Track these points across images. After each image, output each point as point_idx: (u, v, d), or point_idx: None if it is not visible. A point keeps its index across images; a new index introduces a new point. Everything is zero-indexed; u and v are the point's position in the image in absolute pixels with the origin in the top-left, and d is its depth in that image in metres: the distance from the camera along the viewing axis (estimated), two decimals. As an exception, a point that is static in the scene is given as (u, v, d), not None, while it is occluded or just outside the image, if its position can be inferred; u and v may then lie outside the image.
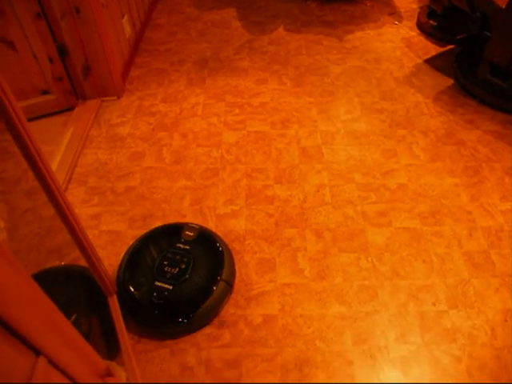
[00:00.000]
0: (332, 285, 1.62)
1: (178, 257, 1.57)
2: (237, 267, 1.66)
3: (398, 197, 1.89)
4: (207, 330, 1.50)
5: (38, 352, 0.57)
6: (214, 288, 1.52)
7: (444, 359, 1.43)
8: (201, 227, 1.69)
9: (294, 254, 1.70)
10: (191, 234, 1.64)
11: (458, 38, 2.68)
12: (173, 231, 1.67)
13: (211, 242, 1.65)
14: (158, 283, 1.50)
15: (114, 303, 1.38)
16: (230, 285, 1.57)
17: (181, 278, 1.52)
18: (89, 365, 0.76)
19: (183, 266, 1.54)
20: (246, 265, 1.67)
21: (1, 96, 0.87)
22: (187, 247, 1.60)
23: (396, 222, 1.80)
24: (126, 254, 1.63)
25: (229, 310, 1.55)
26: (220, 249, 1.63)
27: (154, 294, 1.48)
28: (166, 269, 1.54)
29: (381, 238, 1.75)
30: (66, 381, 0.65)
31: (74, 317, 1.37)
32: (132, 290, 1.50)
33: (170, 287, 1.50)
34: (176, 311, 1.49)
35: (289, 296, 1.59)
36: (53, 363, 0.61)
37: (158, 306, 1.47)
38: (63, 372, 0.64)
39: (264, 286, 1.61)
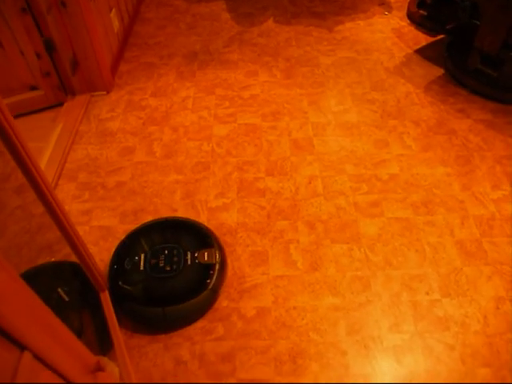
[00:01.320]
0: (325, 276, 1.61)
1: (166, 251, 1.57)
2: (229, 260, 1.65)
3: (390, 187, 1.89)
4: (200, 323, 1.50)
5: (22, 347, 0.56)
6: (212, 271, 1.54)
7: (437, 347, 1.43)
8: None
9: (286, 246, 1.70)
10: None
11: (447, 27, 2.67)
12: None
13: (193, 229, 1.66)
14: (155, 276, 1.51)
15: (105, 299, 1.37)
16: (223, 264, 1.60)
17: (178, 269, 1.53)
18: (78, 360, 0.76)
19: (175, 259, 1.54)
20: (239, 258, 1.66)
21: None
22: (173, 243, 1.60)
23: (388, 212, 1.80)
24: (115, 251, 1.62)
25: (222, 303, 1.54)
26: (206, 233, 1.65)
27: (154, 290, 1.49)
28: (160, 264, 1.54)
29: (373, 229, 1.75)
30: (54, 376, 0.64)
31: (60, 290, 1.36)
32: (128, 287, 1.50)
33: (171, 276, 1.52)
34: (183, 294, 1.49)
35: (282, 288, 1.58)
36: (39, 358, 0.60)
37: (161, 299, 1.48)
38: (50, 367, 0.64)
39: (257, 278, 1.61)
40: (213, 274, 1.53)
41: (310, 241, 1.71)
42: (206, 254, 1.56)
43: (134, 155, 2.04)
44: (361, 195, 1.86)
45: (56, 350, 0.66)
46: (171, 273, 1.52)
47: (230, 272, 1.62)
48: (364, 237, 1.72)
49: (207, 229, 1.68)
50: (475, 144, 2.06)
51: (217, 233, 1.72)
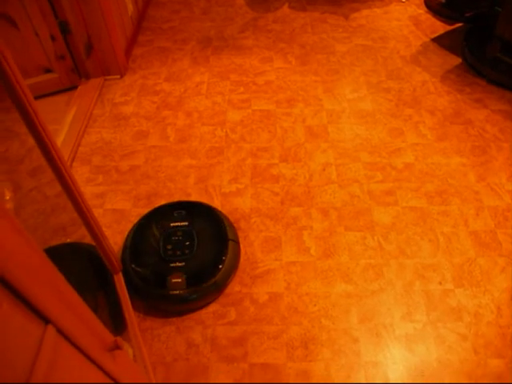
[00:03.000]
0: (338, 263, 1.61)
1: (179, 233, 1.57)
2: (242, 245, 1.66)
3: (405, 176, 1.87)
4: (212, 307, 1.51)
5: (47, 320, 0.57)
6: (226, 247, 1.55)
7: (450, 337, 1.43)
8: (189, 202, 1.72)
9: (299, 232, 1.69)
10: (182, 212, 1.65)
11: (466, 15, 2.63)
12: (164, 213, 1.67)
13: (204, 211, 1.67)
14: (171, 264, 1.50)
15: (119, 281, 1.38)
16: (237, 242, 1.61)
17: (191, 253, 1.52)
18: (97, 337, 0.76)
19: (187, 243, 1.54)
20: (252, 243, 1.66)
21: (9, 74, 0.86)
22: (185, 223, 1.60)
23: (402, 201, 1.79)
24: (128, 236, 1.62)
25: (234, 288, 1.55)
26: (214, 212, 1.65)
27: (169, 276, 1.47)
28: (172, 249, 1.53)
29: (387, 217, 1.74)
30: (75, 351, 0.65)
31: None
32: (141, 271, 1.50)
33: (183, 263, 1.50)
34: (199, 279, 1.48)
35: (294, 274, 1.58)
36: (62, 333, 0.60)
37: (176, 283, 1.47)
38: (72, 342, 0.64)
39: (269, 264, 1.61)
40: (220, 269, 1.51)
41: (324, 228, 1.70)
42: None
43: (148, 139, 2.04)
44: (375, 183, 1.84)
45: (77, 326, 0.67)
46: (182, 256, 1.52)
47: (242, 257, 1.62)
48: (378, 225, 1.71)
49: (220, 213, 1.68)
50: (492, 134, 2.03)
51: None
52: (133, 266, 1.51)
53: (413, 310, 1.49)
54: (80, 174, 1.91)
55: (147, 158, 1.95)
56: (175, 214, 1.63)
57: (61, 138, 2.05)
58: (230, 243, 1.57)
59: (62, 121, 2.14)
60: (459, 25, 2.68)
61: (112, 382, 0.79)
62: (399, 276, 1.58)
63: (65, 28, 2.11)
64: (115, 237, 1.70)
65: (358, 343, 1.43)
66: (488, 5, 2.21)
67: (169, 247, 1.53)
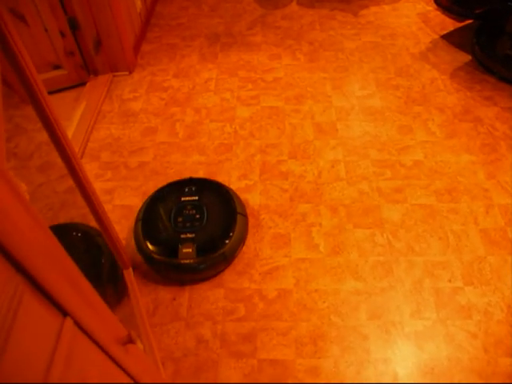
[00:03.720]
0: (347, 260, 1.61)
1: (189, 207, 1.63)
2: (251, 241, 1.66)
3: (414, 173, 1.87)
4: (221, 303, 1.51)
5: (65, 313, 0.57)
6: (235, 221, 1.60)
7: (459, 335, 1.42)
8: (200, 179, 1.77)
9: (308, 229, 1.69)
10: (193, 188, 1.70)
11: (476, 12, 2.61)
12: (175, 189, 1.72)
13: (214, 187, 1.72)
14: (182, 236, 1.55)
15: (129, 276, 1.39)
16: (245, 216, 1.67)
17: (201, 225, 1.58)
18: (111, 330, 0.76)
19: (198, 216, 1.60)
20: (261, 239, 1.66)
21: (23, 67, 0.86)
22: (195, 197, 1.66)
23: (412, 198, 1.78)
24: (141, 210, 1.67)
25: (243, 284, 1.55)
26: (223, 188, 1.71)
27: (180, 245, 1.53)
28: (183, 222, 1.59)
29: (396, 215, 1.73)
30: (91, 343, 0.65)
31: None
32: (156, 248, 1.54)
33: (193, 235, 1.55)
34: (208, 249, 1.53)
35: (304, 271, 1.58)
36: (78, 325, 0.61)
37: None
38: (88, 334, 0.64)
39: (279, 260, 1.61)
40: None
41: (333, 225, 1.70)
42: (189, 249, 1.52)
43: (157, 136, 2.04)
44: (384, 181, 1.84)
45: (93, 319, 0.67)
46: (192, 228, 1.57)
47: (251, 253, 1.63)
48: (387, 222, 1.71)
49: (229, 189, 1.72)
50: (502, 132, 2.02)
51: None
52: (145, 237, 1.55)
53: (422, 308, 1.49)
54: (89, 170, 1.91)
55: (156, 155, 1.95)
56: (186, 190, 1.69)
57: (70, 134, 2.06)
58: (239, 216, 1.62)
59: (71, 117, 2.14)
60: (469, 21, 2.66)
61: (125, 375, 0.79)
62: (408, 273, 1.57)
63: (74, 24, 2.11)
64: (124, 232, 1.70)
65: (367, 340, 1.42)
66: (499, 1, 2.19)
67: (180, 220, 1.59)
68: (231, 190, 1.72)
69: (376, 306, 1.50)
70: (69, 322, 0.57)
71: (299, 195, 1.79)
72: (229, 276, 1.57)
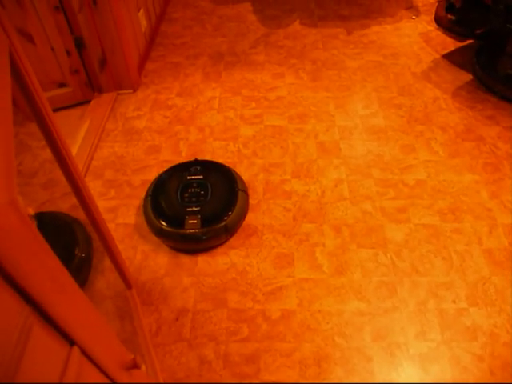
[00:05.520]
0: (350, 280, 1.60)
1: (194, 185, 1.78)
2: (254, 261, 1.65)
3: (417, 193, 1.87)
4: (224, 323, 1.50)
5: (72, 342, 0.57)
6: (236, 197, 1.75)
7: (465, 357, 1.41)
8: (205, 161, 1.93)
9: (312, 249, 1.69)
10: (198, 167, 1.86)
11: (477, 32, 2.64)
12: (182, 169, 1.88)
13: (217, 167, 1.87)
14: (188, 209, 1.70)
15: (133, 296, 1.38)
16: (246, 193, 1.82)
17: (205, 200, 1.74)
18: (116, 356, 0.76)
19: (202, 192, 1.76)
20: (264, 259, 1.66)
21: (29, 86, 0.87)
22: (200, 176, 1.81)
23: (415, 218, 1.78)
24: (150, 187, 1.82)
25: (247, 304, 1.54)
26: (226, 168, 1.86)
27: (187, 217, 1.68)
28: (189, 197, 1.75)
29: (399, 234, 1.73)
30: (97, 371, 0.65)
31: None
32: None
33: (198, 208, 1.70)
34: (212, 221, 1.67)
35: (307, 291, 1.57)
36: (85, 353, 0.60)
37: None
38: (93, 361, 0.64)
39: (282, 280, 1.60)
40: (178, 231, 1.66)
41: (336, 245, 1.70)
42: (194, 220, 1.67)
43: (160, 154, 2.05)
44: (387, 200, 1.84)
45: (99, 346, 0.67)
46: (197, 203, 1.72)
47: (255, 273, 1.62)
48: (390, 242, 1.71)
49: (231, 169, 1.86)
50: (504, 151, 2.03)
51: (242, 234, 1.73)
52: (154, 211, 1.70)
53: (427, 329, 1.48)
54: (92, 188, 1.92)
55: (159, 172, 1.96)
56: (191, 170, 1.84)
57: (74, 152, 2.07)
58: (240, 193, 1.78)
59: (75, 135, 2.15)
60: (470, 41, 2.69)
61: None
62: (412, 294, 1.56)
63: (80, 43, 2.14)
64: (128, 251, 1.70)
65: (371, 362, 1.41)
66: (501, 22, 2.22)
67: (186, 196, 1.74)
68: (233, 170, 1.87)
69: (380, 327, 1.49)
70: (76, 350, 0.57)
71: (302, 215, 1.79)
72: (232, 296, 1.57)
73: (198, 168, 1.84)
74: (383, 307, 1.53)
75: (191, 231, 1.64)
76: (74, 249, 1.50)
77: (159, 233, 1.67)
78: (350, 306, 1.54)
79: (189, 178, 1.80)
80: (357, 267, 1.64)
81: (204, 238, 1.65)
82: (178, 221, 1.66)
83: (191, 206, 1.70)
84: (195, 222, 1.65)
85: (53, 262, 0.56)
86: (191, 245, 1.68)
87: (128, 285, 1.39)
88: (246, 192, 1.82)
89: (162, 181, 1.81)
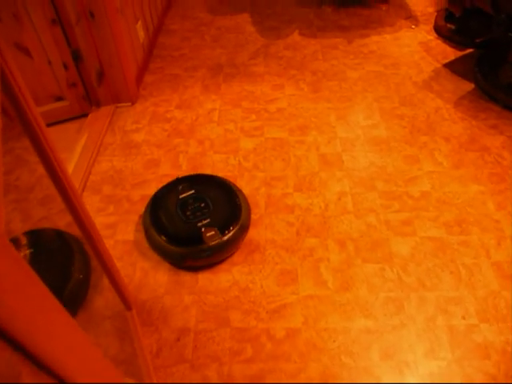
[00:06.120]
0: (356, 297, 1.56)
1: (190, 201, 1.75)
2: (257, 278, 1.61)
3: (422, 205, 1.83)
4: (228, 343, 1.45)
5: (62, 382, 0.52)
6: (236, 195, 1.78)
7: (477, 377, 1.36)
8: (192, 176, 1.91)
9: (316, 264, 1.64)
10: (185, 184, 1.82)
11: (477, 41, 2.63)
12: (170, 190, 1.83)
13: (203, 178, 1.87)
14: (199, 224, 1.67)
15: (132, 318, 1.33)
16: (239, 190, 1.83)
17: (210, 210, 1.71)
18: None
19: (202, 205, 1.73)
20: (267, 276, 1.61)
21: (20, 100, 0.83)
22: (192, 191, 1.78)
23: (420, 231, 1.74)
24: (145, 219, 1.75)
25: (250, 323, 1.49)
26: (210, 176, 1.88)
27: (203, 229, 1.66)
28: (192, 213, 1.71)
29: (405, 248, 1.69)
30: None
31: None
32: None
33: (208, 220, 1.68)
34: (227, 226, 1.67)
35: (312, 308, 1.53)
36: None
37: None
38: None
39: (286, 298, 1.56)
40: (199, 248, 1.62)
41: (341, 260, 1.65)
42: (212, 232, 1.64)
43: (160, 168, 2.01)
44: (392, 213, 1.80)
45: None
46: (204, 216, 1.69)
47: (258, 290, 1.58)
48: (396, 256, 1.66)
49: (237, 190, 1.82)
50: (509, 161, 1.99)
51: (245, 250, 1.68)
52: (168, 240, 1.63)
53: (436, 347, 1.43)
54: (90, 204, 1.88)
55: (158, 187, 1.91)
56: (180, 188, 1.79)
57: (71, 167, 2.03)
58: (236, 191, 1.80)
59: (73, 149, 2.12)
60: (470, 50, 2.67)
61: None
62: (420, 310, 1.52)
63: (77, 56, 2.11)
64: (127, 269, 1.66)
65: (379, 382, 1.36)
66: (502, 31, 2.20)
67: (188, 214, 1.70)
68: (216, 175, 1.88)
69: (388, 345, 1.44)
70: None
71: (306, 229, 1.75)
72: (235, 314, 1.52)
73: (186, 185, 1.80)
74: (391, 324, 1.49)
75: (214, 243, 1.61)
76: (71, 269, 1.45)
77: (180, 258, 1.63)
78: (356, 324, 1.49)
79: (181, 196, 1.76)
80: (362, 283, 1.59)
81: (227, 244, 1.63)
82: (194, 239, 1.62)
83: (200, 221, 1.67)
84: (213, 232, 1.63)
85: (44, 298, 0.52)
86: (215, 257, 1.65)
87: (128, 306, 1.34)
88: (239, 190, 1.83)
89: (155, 208, 1.75)
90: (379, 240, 1.71)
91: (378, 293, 1.57)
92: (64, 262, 1.48)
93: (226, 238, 1.62)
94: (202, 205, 1.72)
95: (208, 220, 1.67)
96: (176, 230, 1.66)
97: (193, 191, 1.77)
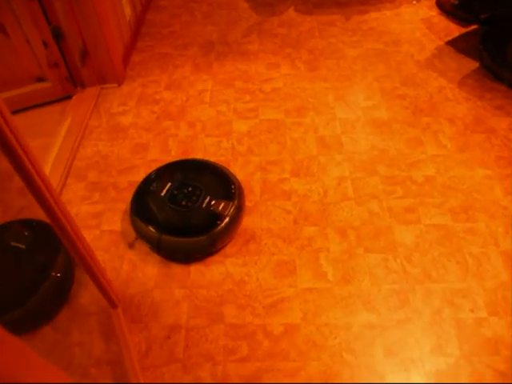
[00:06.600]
0: (358, 289, 1.46)
1: (175, 192, 1.62)
2: (253, 270, 1.51)
3: (426, 190, 1.73)
4: (222, 341, 1.36)
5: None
6: (223, 168, 1.71)
7: (487, 373, 1.28)
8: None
9: (315, 255, 1.55)
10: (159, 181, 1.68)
11: (482, 17, 2.50)
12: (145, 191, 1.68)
13: (173, 166, 1.74)
14: (203, 206, 1.57)
15: (118, 316, 1.23)
16: (234, 219, 1.60)
17: (201, 190, 1.61)
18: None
19: (190, 189, 1.62)
20: (263, 268, 1.52)
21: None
22: (169, 184, 1.65)
23: (425, 218, 1.65)
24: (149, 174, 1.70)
25: (246, 319, 1.40)
26: (182, 161, 1.77)
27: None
28: (188, 200, 1.60)
29: (409, 237, 1.59)
30: None
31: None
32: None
33: (208, 198, 1.59)
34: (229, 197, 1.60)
35: (311, 302, 1.44)
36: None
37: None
38: None
39: (284, 291, 1.46)
40: (219, 224, 1.52)
41: (342, 249, 1.56)
42: (222, 204, 1.56)
43: (148, 152, 1.89)
44: (395, 199, 1.70)
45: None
46: (184, 208, 1.56)
47: (253, 284, 1.48)
48: (400, 246, 1.57)
49: (234, 178, 1.69)
50: (517, 144, 1.89)
51: (239, 240, 1.58)
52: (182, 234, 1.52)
53: (443, 342, 1.35)
54: (74, 192, 1.76)
55: (147, 174, 1.80)
56: (155, 185, 1.64)
57: (54, 152, 1.91)
58: (217, 165, 1.72)
59: (56, 133, 1.99)
60: (474, 27, 2.54)
61: None
62: (426, 303, 1.43)
63: (58, 33, 1.97)
64: (114, 262, 1.55)
65: (384, 380, 1.28)
66: (508, 7, 2.08)
67: (184, 203, 1.58)
68: (207, 160, 1.77)
69: (392, 340, 1.35)
70: None
71: (304, 217, 1.65)
72: (229, 310, 1.42)
73: (160, 181, 1.66)
74: (395, 318, 1.40)
75: (231, 211, 1.54)
76: (49, 267, 1.34)
77: (210, 247, 1.54)
78: (358, 319, 1.40)
79: (162, 194, 1.61)
80: (365, 274, 1.50)
81: (238, 210, 1.58)
82: (210, 220, 1.53)
83: (202, 203, 1.57)
84: (223, 204, 1.56)
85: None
86: (232, 226, 1.57)
87: (113, 304, 1.24)
88: (221, 165, 1.75)
89: (142, 212, 1.60)
90: (382, 228, 1.62)
91: (381, 285, 1.47)
92: (42, 258, 1.37)
93: (231, 204, 1.56)
94: (190, 189, 1.62)
95: (208, 198, 1.58)
96: (189, 220, 1.55)
97: (170, 184, 1.64)
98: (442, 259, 1.53)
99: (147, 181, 1.69)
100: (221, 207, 1.55)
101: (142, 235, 1.56)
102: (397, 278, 1.49)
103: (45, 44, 1.96)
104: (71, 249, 0.98)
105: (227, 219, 1.53)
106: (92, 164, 1.86)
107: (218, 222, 1.52)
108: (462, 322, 1.38)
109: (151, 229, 1.52)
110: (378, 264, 1.52)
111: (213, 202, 1.57)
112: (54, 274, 1.31)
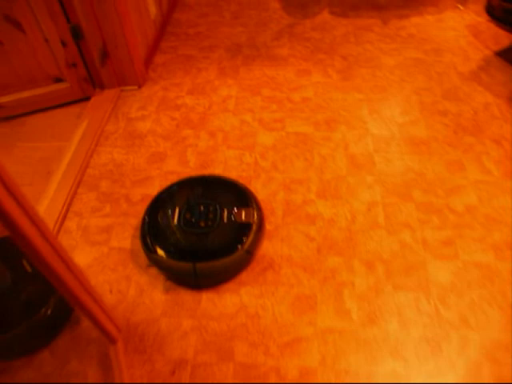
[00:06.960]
0: (385, 332, 1.31)
1: (188, 215, 1.48)
2: (269, 303, 1.38)
3: (467, 221, 1.56)
4: (230, 381, 1.23)
5: None
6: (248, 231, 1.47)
7: None
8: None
9: (338, 289, 1.40)
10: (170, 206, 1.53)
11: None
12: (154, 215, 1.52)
13: (180, 184, 1.60)
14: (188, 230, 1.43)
15: (117, 352, 1.12)
16: (261, 225, 1.51)
17: (213, 225, 1.45)
18: None
19: (203, 208, 1.49)
20: (281, 301, 1.38)
21: None
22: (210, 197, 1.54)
23: (464, 253, 1.48)
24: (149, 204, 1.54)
25: (258, 359, 1.27)
26: (244, 192, 1.57)
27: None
28: (206, 219, 1.47)
29: (445, 274, 1.43)
30: None
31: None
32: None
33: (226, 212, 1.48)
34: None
35: (331, 344, 1.29)
36: None
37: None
38: None
39: (301, 329, 1.32)
40: (249, 234, 1.42)
41: (368, 285, 1.41)
42: (243, 212, 1.47)
43: (165, 163, 1.78)
44: (430, 230, 1.54)
45: None
46: (205, 229, 1.43)
47: (269, 318, 1.34)
48: (434, 284, 1.41)
49: (246, 188, 1.57)
50: None
51: (256, 267, 1.45)
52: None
53: (480, 402, 1.18)
54: (85, 202, 1.66)
55: (162, 186, 1.69)
56: (169, 212, 1.49)
57: (68, 157, 1.81)
58: (229, 180, 1.59)
59: (71, 136, 1.90)
60: (526, 37, 2.33)
61: None
62: (462, 354, 1.27)
63: (77, 32, 1.87)
64: (120, 283, 1.44)
65: None
66: None
67: (202, 224, 1.44)
68: (225, 177, 1.62)
69: (421, 395, 1.20)
70: None
71: (328, 245, 1.50)
72: (240, 346, 1.29)
73: (169, 202, 1.53)
74: (424, 370, 1.24)
75: (255, 217, 1.46)
76: (38, 304, 1.22)
77: (246, 256, 1.43)
78: (383, 367, 1.25)
79: (175, 221, 1.46)
80: (393, 315, 1.34)
81: (261, 217, 1.49)
82: (237, 232, 1.43)
83: (222, 218, 1.45)
84: (244, 211, 1.47)
85: None
86: (260, 231, 1.47)
87: (112, 339, 1.13)
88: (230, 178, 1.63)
89: (156, 237, 1.45)
90: (414, 263, 1.46)
91: (411, 329, 1.32)
92: (31, 291, 1.25)
93: (255, 212, 1.48)
94: (203, 208, 1.49)
95: (226, 212, 1.47)
96: (217, 240, 1.42)
97: (179, 208, 1.50)
98: (483, 303, 1.36)
99: (151, 213, 1.51)
100: (243, 216, 1.45)
101: (174, 273, 1.41)
102: (429, 322, 1.33)
103: (63, 43, 1.86)
104: (67, 297, 0.87)
105: (255, 227, 1.44)
106: (105, 173, 1.76)
107: (247, 232, 1.43)
108: (503, 375, 1.22)
109: (183, 263, 1.37)
110: (408, 304, 1.37)
111: (234, 212, 1.46)
112: (43, 311, 1.20)
